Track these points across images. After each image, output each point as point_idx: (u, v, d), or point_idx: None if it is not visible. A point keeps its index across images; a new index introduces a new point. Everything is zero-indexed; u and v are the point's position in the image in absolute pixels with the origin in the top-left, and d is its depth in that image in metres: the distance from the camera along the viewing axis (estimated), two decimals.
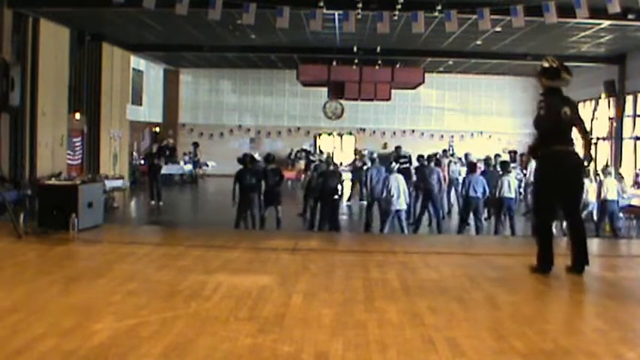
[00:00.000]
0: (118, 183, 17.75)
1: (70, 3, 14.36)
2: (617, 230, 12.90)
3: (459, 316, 4.34)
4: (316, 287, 5.11)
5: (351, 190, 19.13)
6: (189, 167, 24.82)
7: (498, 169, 13.82)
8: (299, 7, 12.67)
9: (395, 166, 13.33)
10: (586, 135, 6.13)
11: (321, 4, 12.06)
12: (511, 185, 12.74)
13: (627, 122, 20.23)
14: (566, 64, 6.08)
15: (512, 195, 12.77)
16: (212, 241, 7.59)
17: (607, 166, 14.15)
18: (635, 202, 14.12)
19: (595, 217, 13.22)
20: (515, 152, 25.29)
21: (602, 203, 12.89)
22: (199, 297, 4.64)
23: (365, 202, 15.28)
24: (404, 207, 12.29)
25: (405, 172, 14.54)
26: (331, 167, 12.98)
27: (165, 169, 21.05)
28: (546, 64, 5.98)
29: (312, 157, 15.85)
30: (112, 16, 15.89)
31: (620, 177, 15.91)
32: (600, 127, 22.27)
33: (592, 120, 23.01)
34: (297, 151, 25.42)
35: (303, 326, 3.96)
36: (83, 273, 5.51)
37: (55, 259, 6.21)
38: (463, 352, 3.53)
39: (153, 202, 17.73)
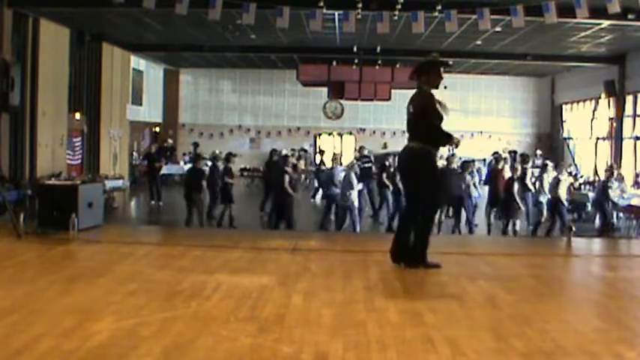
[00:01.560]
0: (118, 183, 17.76)
1: (70, 3, 14.39)
2: (563, 227, 12.83)
3: (459, 316, 4.34)
4: (316, 287, 5.11)
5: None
6: (189, 167, 24.77)
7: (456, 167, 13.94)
8: (299, 7, 12.68)
9: (355, 164, 13.77)
10: None
11: (321, 4, 12.07)
12: (469, 184, 13.05)
13: (627, 122, 20.24)
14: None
15: (474, 194, 13.16)
16: (212, 241, 7.59)
17: (561, 165, 14.13)
18: (635, 202, 14.13)
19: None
20: (515, 152, 25.30)
21: (555, 203, 12.86)
22: (199, 297, 4.64)
23: (316, 199, 15.82)
24: (355, 203, 12.96)
25: (367, 171, 14.94)
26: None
27: (165, 169, 21.07)
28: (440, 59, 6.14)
29: (274, 157, 16.03)
30: (112, 16, 15.90)
31: (620, 177, 15.94)
32: (600, 127, 22.28)
33: (592, 120, 23.03)
34: (297, 151, 25.39)
35: (303, 326, 3.96)
36: (83, 273, 5.50)
37: (55, 259, 6.21)
38: (463, 352, 3.53)
39: (153, 202, 17.74)
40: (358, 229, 12.84)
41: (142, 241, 7.62)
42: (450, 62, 6.33)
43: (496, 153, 18.57)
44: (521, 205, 12.56)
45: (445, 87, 6.11)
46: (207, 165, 14.56)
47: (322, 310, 4.37)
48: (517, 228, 12.63)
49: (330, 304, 4.52)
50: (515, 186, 12.61)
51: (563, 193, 12.85)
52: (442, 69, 6.08)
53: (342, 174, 13.48)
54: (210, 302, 4.51)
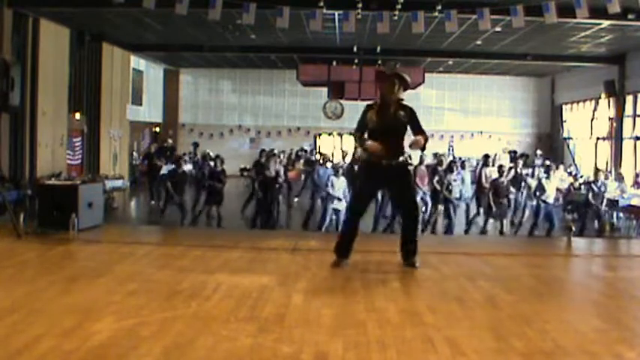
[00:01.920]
0: (118, 183, 17.75)
1: (70, 3, 14.38)
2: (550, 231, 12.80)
3: (459, 316, 4.34)
4: (316, 287, 5.11)
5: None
6: (189, 167, 24.79)
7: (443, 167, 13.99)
8: (299, 7, 12.67)
9: (340, 164, 13.81)
10: None
11: (321, 4, 12.06)
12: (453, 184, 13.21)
13: (627, 122, 20.24)
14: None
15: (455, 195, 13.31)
16: (212, 241, 7.59)
17: (549, 167, 14.10)
18: (635, 202, 14.12)
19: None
20: (515, 152, 25.30)
21: (537, 204, 12.84)
22: (199, 297, 4.64)
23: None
24: (336, 205, 12.81)
25: (354, 172, 14.96)
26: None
27: (165, 169, 21.05)
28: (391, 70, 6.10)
29: (262, 160, 16.18)
30: (112, 16, 15.90)
31: (620, 177, 15.94)
32: (600, 127, 22.28)
33: (592, 120, 23.03)
34: (297, 151, 25.40)
35: (303, 326, 3.96)
36: (83, 273, 5.50)
37: (55, 259, 6.21)
38: (463, 352, 3.53)
39: (153, 202, 17.72)
40: (323, 229, 12.56)
41: (142, 241, 7.62)
42: (408, 78, 6.08)
43: (487, 155, 18.63)
44: (493, 205, 12.63)
45: (402, 99, 5.94)
46: (196, 165, 14.87)
47: (322, 310, 4.37)
48: (487, 227, 12.72)
49: (330, 304, 4.52)
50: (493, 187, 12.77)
51: (548, 197, 12.84)
52: (397, 81, 5.85)
53: (327, 174, 13.48)
54: (210, 302, 4.52)
